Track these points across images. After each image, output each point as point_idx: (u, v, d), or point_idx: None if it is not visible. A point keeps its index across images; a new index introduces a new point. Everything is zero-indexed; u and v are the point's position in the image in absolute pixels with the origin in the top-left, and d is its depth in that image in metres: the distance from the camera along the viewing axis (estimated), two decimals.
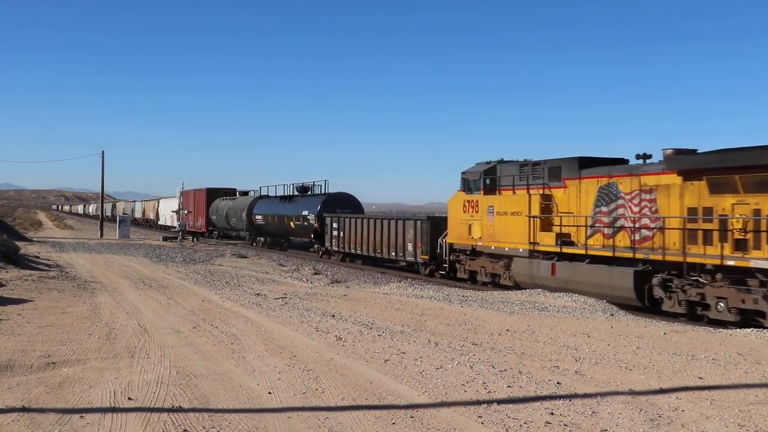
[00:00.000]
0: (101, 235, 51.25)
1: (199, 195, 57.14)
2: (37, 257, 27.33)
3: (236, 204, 48.69)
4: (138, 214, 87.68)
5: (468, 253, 22.69)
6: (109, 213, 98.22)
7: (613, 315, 15.03)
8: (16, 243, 28.02)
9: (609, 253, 17.18)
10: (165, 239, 47.33)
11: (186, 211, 57.07)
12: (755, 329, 13.12)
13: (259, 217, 43.65)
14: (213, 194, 55.48)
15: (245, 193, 51.23)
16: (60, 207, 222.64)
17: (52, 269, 22.77)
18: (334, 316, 13.37)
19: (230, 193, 54.64)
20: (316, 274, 25.33)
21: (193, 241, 48.13)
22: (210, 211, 53.83)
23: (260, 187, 46.99)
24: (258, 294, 17.10)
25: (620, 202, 17.60)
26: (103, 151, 54.25)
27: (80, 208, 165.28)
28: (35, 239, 43.50)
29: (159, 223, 72.07)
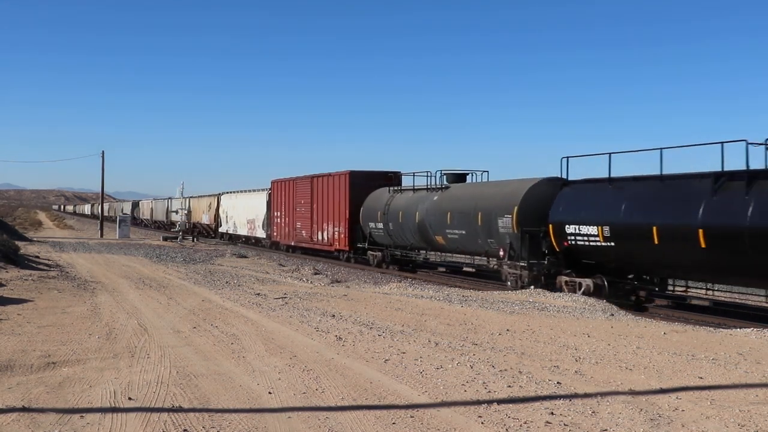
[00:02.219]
0: (101, 235, 51.30)
1: (329, 185, 31.72)
2: (37, 257, 27.34)
3: (456, 198, 23.27)
4: (178, 217, 59.41)
5: None
6: (130, 213, 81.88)
7: (613, 315, 15.02)
8: (16, 243, 28.04)
9: None
10: (165, 239, 47.33)
11: (278, 213, 37.89)
12: (755, 329, 13.12)
13: (590, 230, 17.51)
14: (364, 183, 30.03)
15: (460, 178, 25.40)
16: (62, 207, 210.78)
17: (52, 269, 22.77)
18: (334, 316, 13.37)
19: (391, 180, 29.95)
20: (316, 274, 25.32)
21: (193, 241, 48.12)
22: (363, 212, 29.33)
23: (563, 159, 19.60)
24: (258, 294, 17.10)
25: None
26: (103, 151, 54.36)
27: (87, 208, 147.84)
28: (35, 239, 43.54)
29: (222, 230, 49.85)
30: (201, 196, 56.33)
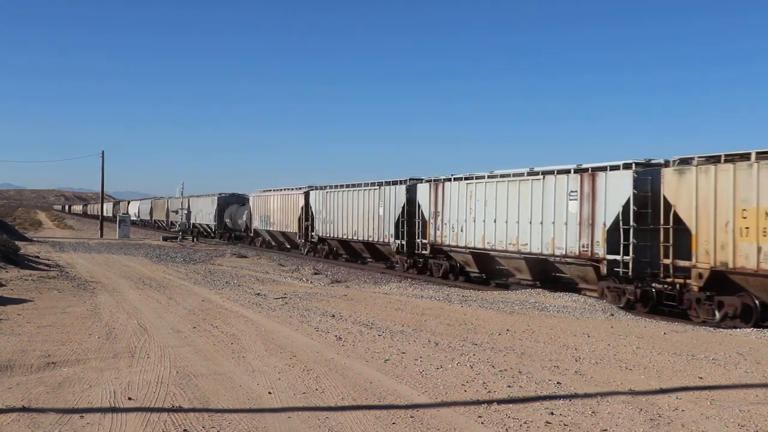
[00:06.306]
0: (101, 235, 51.29)
1: None
2: (37, 257, 27.34)
3: None
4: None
5: None
6: (215, 218, 50.31)
7: (613, 315, 15.03)
8: (16, 243, 28.04)
9: None
10: (165, 239, 47.33)
11: None
12: (755, 329, 13.13)
13: None
14: None
15: None
16: (67, 207, 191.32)
17: (52, 269, 22.77)
18: (334, 316, 13.37)
19: None
20: (316, 274, 25.31)
21: (193, 241, 48.11)
22: None
23: None
24: (258, 294, 17.10)
25: None
26: (103, 151, 54.29)
27: (109, 208, 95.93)
28: (35, 239, 43.54)
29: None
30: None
